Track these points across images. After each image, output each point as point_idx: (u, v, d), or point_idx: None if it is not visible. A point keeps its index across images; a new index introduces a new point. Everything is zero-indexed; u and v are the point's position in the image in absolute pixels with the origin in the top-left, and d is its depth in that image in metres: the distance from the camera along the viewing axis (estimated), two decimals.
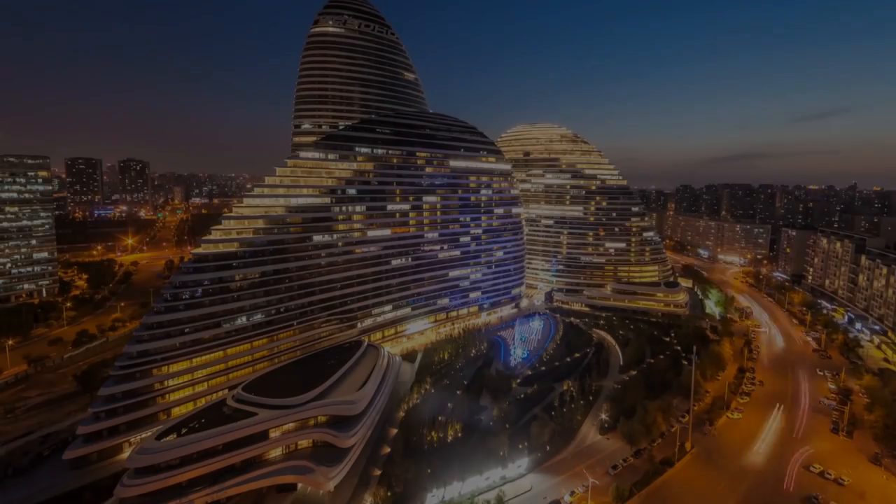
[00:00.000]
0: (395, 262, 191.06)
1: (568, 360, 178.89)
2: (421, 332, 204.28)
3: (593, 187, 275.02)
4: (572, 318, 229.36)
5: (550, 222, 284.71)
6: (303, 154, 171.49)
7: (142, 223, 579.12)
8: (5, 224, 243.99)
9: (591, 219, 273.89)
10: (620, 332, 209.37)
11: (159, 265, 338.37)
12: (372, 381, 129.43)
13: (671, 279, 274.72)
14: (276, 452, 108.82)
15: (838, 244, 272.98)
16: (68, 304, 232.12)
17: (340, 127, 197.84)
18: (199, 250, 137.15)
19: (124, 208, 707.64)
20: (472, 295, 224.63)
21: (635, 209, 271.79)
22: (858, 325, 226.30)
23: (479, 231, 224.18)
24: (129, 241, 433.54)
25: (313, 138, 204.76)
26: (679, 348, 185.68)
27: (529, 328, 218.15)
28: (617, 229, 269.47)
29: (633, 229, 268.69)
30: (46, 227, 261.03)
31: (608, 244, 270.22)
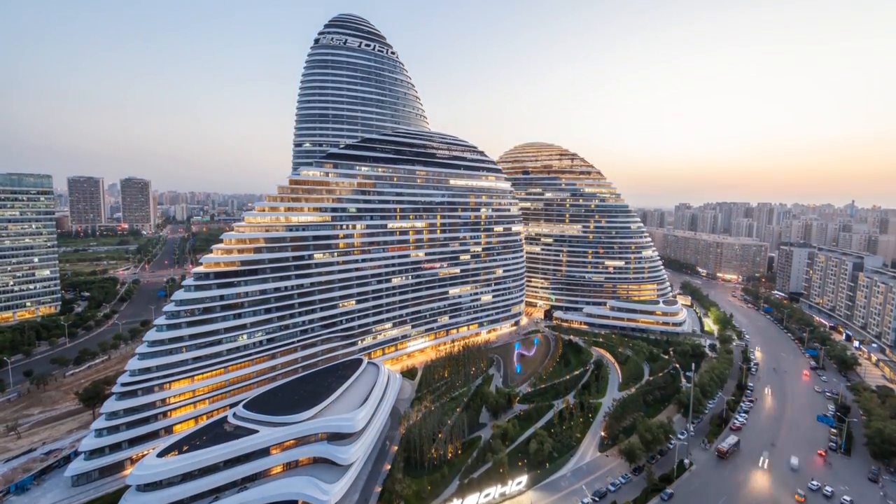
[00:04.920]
0: (396, 280, 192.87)
1: (567, 377, 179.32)
2: (421, 349, 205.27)
3: (593, 206, 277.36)
4: (571, 336, 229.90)
5: (550, 240, 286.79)
6: (303, 172, 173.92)
7: (143, 241, 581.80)
8: (7, 242, 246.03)
9: (591, 237, 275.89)
10: (619, 349, 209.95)
11: (161, 283, 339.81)
12: (372, 399, 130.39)
13: (670, 297, 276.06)
14: (276, 469, 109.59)
15: (836, 262, 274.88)
16: (70, 322, 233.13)
17: (341, 145, 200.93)
18: (200, 268, 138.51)
19: (126, 226, 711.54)
20: (472, 313, 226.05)
21: (634, 227, 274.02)
22: (856, 343, 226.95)
23: (479, 249, 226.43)
24: (131, 258, 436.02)
25: (314, 157, 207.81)
26: (678, 365, 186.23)
27: (529, 345, 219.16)
28: (616, 247, 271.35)
29: (632, 247, 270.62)
30: (48, 245, 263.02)
31: (607, 262, 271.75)
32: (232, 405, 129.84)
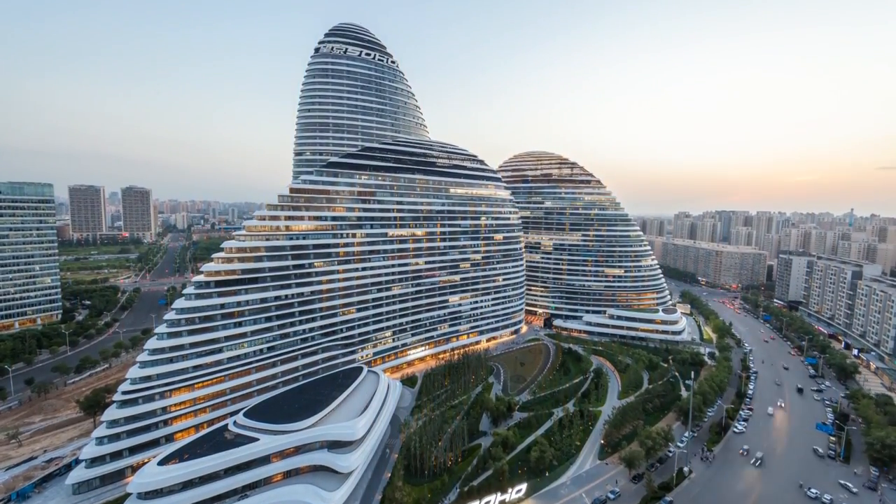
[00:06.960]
0: (396, 289, 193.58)
1: (567, 385, 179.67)
2: (421, 358, 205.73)
3: (592, 214, 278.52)
4: (571, 344, 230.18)
5: (550, 249, 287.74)
6: (304, 181, 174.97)
7: (144, 249, 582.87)
8: (9, 251, 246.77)
9: (590, 245, 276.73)
10: (619, 357, 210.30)
11: (161, 291, 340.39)
12: (372, 407, 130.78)
13: (669, 305, 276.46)
14: (277, 477, 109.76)
15: (835, 271, 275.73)
16: (71, 330, 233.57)
17: (342, 154, 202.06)
18: (201, 277, 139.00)
19: (127, 235, 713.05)
20: (472, 321, 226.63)
21: (633, 236, 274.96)
22: (855, 351, 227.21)
23: (479, 257, 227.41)
24: (132, 267, 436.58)
25: (315, 165, 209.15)
26: (677, 374, 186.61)
27: (529, 354, 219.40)
28: (615, 256, 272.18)
29: (632, 256, 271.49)
30: (49, 253, 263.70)
31: (607, 270, 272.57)
32: (232, 413, 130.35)
